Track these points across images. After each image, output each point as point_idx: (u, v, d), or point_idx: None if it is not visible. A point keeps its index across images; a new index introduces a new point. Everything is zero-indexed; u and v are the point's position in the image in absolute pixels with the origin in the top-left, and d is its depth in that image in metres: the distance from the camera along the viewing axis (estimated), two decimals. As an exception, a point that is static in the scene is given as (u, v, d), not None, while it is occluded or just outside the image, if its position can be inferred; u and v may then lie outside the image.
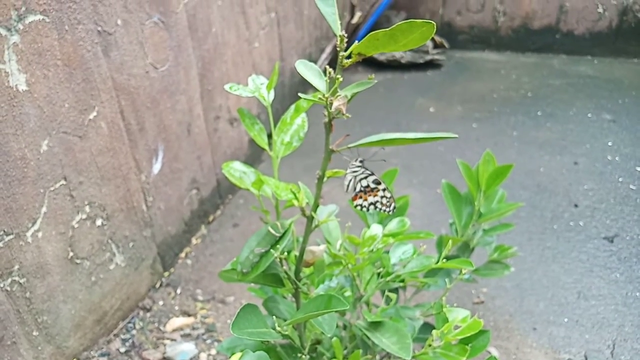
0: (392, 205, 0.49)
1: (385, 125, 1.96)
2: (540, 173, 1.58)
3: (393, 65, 2.62)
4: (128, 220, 1.03)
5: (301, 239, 0.47)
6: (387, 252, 0.65)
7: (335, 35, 0.37)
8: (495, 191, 0.84)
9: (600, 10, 2.36)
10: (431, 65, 2.64)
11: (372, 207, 0.49)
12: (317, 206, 0.44)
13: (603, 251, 1.23)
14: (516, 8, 2.57)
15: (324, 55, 2.51)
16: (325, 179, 0.45)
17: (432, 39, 2.64)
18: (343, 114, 0.41)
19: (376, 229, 0.54)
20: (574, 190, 1.47)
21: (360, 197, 0.49)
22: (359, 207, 0.49)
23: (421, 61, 2.59)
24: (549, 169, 1.60)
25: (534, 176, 1.57)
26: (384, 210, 0.49)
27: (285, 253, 0.47)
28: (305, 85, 2.25)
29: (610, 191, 1.45)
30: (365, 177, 0.48)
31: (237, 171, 0.54)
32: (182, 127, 1.22)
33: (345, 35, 0.38)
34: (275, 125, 0.58)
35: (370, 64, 2.63)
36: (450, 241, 0.56)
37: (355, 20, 2.58)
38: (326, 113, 0.42)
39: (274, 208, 0.57)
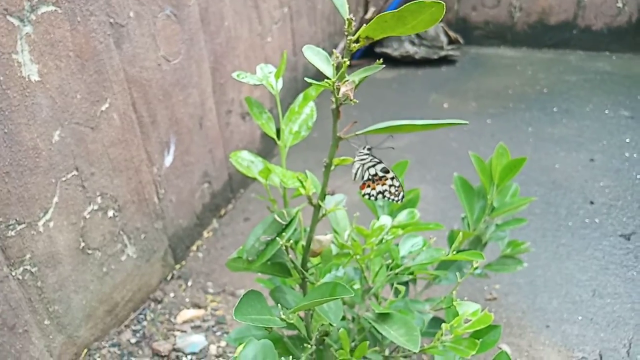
0: (401, 194, 0.48)
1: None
2: (555, 169, 1.56)
3: (407, 61, 2.60)
4: (140, 212, 1.04)
5: (308, 229, 0.46)
6: (397, 244, 0.65)
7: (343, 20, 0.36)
8: (508, 185, 0.83)
9: (620, 4, 2.31)
10: (445, 61, 2.61)
11: (380, 195, 0.48)
12: (325, 195, 0.44)
13: (619, 249, 1.20)
14: (532, 3, 2.52)
15: (337, 51, 2.50)
16: (332, 167, 0.45)
17: (447, 35, 2.61)
18: (351, 100, 0.40)
19: (385, 220, 0.53)
20: (589, 187, 1.44)
21: (368, 186, 0.48)
22: (366, 196, 0.49)
23: (435, 57, 2.56)
24: (564, 165, 1.57)
25: (549, 173, 1.54)
26: (392, 200, 0.48)
27: (292, 242, 0.47)
28: (319, 79, 2.24)
29: (627, 188, 1.42)
30: (373, 166, 0.47)
31: (245, 160, 0.54)
32: (194, 120, 1.22)
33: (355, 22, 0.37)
34: (283, 115, 0.58)
35: (384, 59, 2.61)
36: (461, 234, 0.54)
37: (368, 15, 2.56)
38: (333, 99, 0.41)
39: (282, 198, 0.56)
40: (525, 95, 2.13)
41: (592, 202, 1.38)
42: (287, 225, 0.40)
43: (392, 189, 0.48)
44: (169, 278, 1.18)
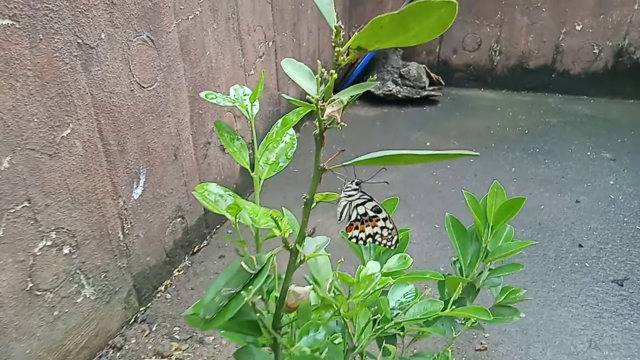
0: (395, 238, 0.42)
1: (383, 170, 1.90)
2: (541, 211, 1.52)
3: (390, 100, 2.60)
4: (101, 249, 0.94)
5: (283, 278, 0.39)
6: (386, 292, 0.57)
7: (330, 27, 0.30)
8: (502, 227, 0.77)
9: (596, 51, 2.37)
10: (427, 101, 2.62)
11: (369, 240, 0.42)
12: (304, 237, 0.37)
13: (613, 295, 1.15)
14: (512, 47, 2.58)
15: (322, 88, 2.48)
16: (314, 204, 0.38)
17: (429, 76, 2.64)
18: (338, 123, 0.34)
19: (373, 267, 0.46)
20: (577, 230, 1.41)
21: (356, 228, 0.41)
22: (354, 240, 0.42)
23: (417, 96, 2.57)
24: (550, 207, 1.54)
25: (535, 214, 1.50)
26: (385, 244, 0.42)
27: (264, 294, 0.39)
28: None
29: (615, 231, 1.39)
30: (363, 204, 0.41)
31: (213, 194, 0.47)
32: (169, 151, 1.15)
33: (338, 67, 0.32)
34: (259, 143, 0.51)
35: (368, 98, 2.61)
36: (460, 284, 0.48)
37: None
38: (317, 123, 0.35)
39: (254, 239, 0.49)
40: (507, 135, 2.13)
41: (580, 245, 1.33)
42: (256, 275, 0.33)
43: (385, 232, 0.41)
44: (131, 322, 1.07)
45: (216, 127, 0.48)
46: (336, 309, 0.38)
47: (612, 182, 1.64)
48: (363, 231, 0.41)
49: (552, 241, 1.36)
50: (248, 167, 0.51)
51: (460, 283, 0.49)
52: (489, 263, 0.79)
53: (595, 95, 2.45)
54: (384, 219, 0.41)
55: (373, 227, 0.41)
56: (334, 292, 0.42)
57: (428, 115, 2.43)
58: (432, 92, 2.59)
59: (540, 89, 2.58)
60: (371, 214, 0.41)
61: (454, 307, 0.46)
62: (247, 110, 0.51)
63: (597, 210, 1.49)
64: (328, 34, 2.43)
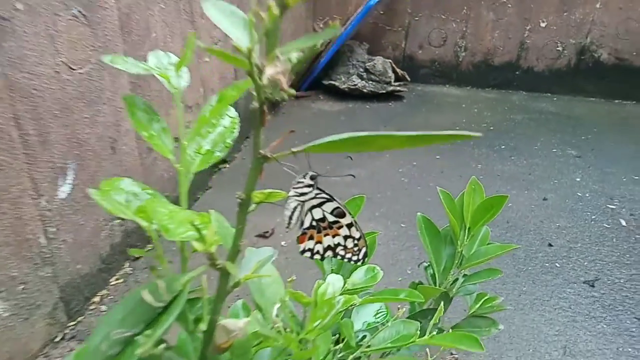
0: (363, 251, 0.32)
1: (344, 154, 1.82)
2: (508, 208, 1.47)
3: (355, 95, 2.52)
4: (17, 257, 0.80)
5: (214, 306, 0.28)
6: (351, 307, 0.48)
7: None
8: (480, 229, 0.69)
9: (560, 48, 2.38)
10: (393, 96, 2.56)
11: (329, 253, 0.31)
12: (237, 251, 0.26)
13: (585, 297, 1.11)
14: (477, 44, 2.55)
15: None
16: (253, 206, 0.28)
17: (394, 71, 2.57)
18: (283, 90, 0.24)
19: (335, 282, 0.36)
20: (546, 228, 1.36)
21: (311, 238, 0.31)
22: (307, 254, 0.32)
23: (383, 92, 2.50)
24: (517, 204, 1.49)
25: (502, 211, 1.44)
26: (349, 259, 0.32)
27: (189, 325, 0.29)
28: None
29: (584, 230, 1.35)
30: (320, 205, 0.31)
31: (123, 193, 0.36)
32: (104, 143, 1.01)
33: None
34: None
35: (332, 92, 2.52)
36: (441, 306, 0.39)
37: (316, 47, 2.47)
38: (254, 91, 0.25)
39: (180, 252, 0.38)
40: (471, 132, 2.09)
41: (550, 245, 1.29)
42: (164, 311, 0.22)
43: (349, 243, 0.31)
44: (58, 339, 0.93)
45: (125, 102, 0.37)
46: (283, 348, 0.28)
47: (578, 179, 1.62)
48: (320, 242, 0.31)
49: (521, 240, 1.31)
50: (171, 156, 0.40)
51: (442, 305, 0.40)
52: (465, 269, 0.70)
53: (559, 93, 2.45)
54: (349, 226, 0.31)
55: (334, 236, 0.31)
56: (283, 321, 0.32)
57: (394, 110, 2.36)
58: (398, 88, 2.53)
59: (504, 86, 2.57)
60: (331, 218, 0.31)
61: (433, 332, 0.37)
62: (169, 82, 0.40)
63: (565, 207, 1.46)
64: (292, 25, 2.33)
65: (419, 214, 0.71)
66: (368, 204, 1.49)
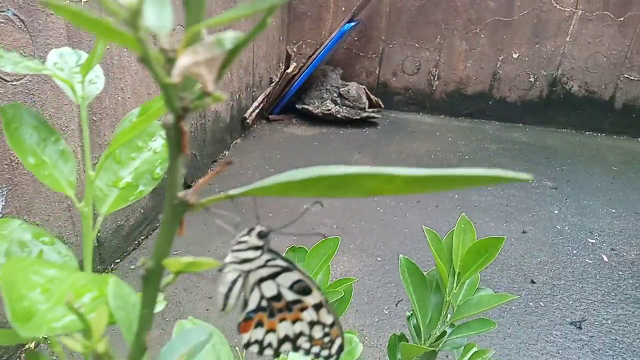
0: (338, 342, 0.22)
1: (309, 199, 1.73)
2: (488, 242, 1.40)
3: (328, 120, 2.45)
4: None
5: None
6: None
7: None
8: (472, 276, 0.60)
9: (532, 79, 2.39)
10: (367, 122, 2.51)
11: (287, 346, 0.21)
12: (142, 349, 0.16)
13: (572, 340, 1.03)
14: (450, 73, 2.55)
15: (255, 104, 2.29)
16: (170, 277, 0.18)
17: (368, 97, 2.53)
18: (207, 93, 0.14)
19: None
20: (527, 264, 1.30)
21: (260, 324, 0.21)
22: (254, 347, 0.22)
23: (357, 117, 2.45)
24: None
25: (482, 246, 1.38)
26: (317, 356, 0.22)
27: None
28: (233, 132, 1.99)
29: (566, 265, 1.29)
30: (272, 276, 0.21)
31: (5, 241, 0.25)
32: (43, 166, 0.88)
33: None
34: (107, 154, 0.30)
35: (305, 117, 2.45)
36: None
37: (290, 70, 2.41)
38: (162, 94, 0.16)
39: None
40: (447, 160, 2.04)
41: (533, 282, 1.22)
42: None
43: (317, 332, 0.21)
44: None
45: (1, 115, 0.26)
46: None
47: (556, 212, 1.58)
48: (273, 330, 0.21)
49: (502, 276, 1.24)
50: (69, 192, 0.30)
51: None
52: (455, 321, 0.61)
53: (531, 124, 2.45)
54: (316, 307, 0.21)
55: (294, 321, 0.21)
56: None
57: (368, 137, 2.30)
58: (372, 114, 2.48)
59: (477, 115, 2.56)
60: (290, 296, 0.21)
61: None
62: (72, 88, 0.30)
63: (545, 242, 1.40)
64: (264, 46, 2.26)
65: (401, 256, 0.62)
66: (341, 236, 1.40)
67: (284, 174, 0.18)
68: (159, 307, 0.32)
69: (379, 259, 1.28)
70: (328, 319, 0.22)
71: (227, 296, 0.22)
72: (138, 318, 0.22)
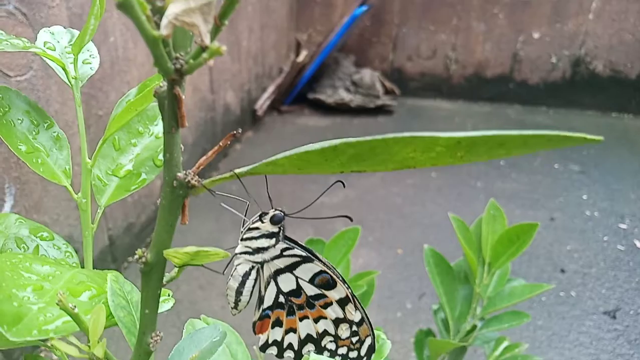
0: (368, 342, 0.18)
1: (329, 178, 1.68)
2: (513, 230, 1.34)
3: (342, 109, 2.40)
4: None
5: None
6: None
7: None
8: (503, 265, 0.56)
9: (554, 60, 2.30)
10: (382, 111, 2.45)
11: (309, 347, 0.18)
12: (146, 354, 0.13)
13: (607, 331, 0.97)
14: (468, 56, 2.47)
15: (265, 95, 2.25)
16: (174, 271, 0.15)
17: (383, 85, 2.47)
18: (204, 45, 0.10)
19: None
20: (556, 252, 1.24)
21: (277, 323, 0.17)
22: (272, 349, 0.18)
23: (372, 106, 2.39)
24: (522, 225, 1.37)
25: (507, 234, 1.32)
26: (345, 357, 0.18)
27: None
28: (244, 124, 1.96)
29: (597, 253, 1.23)
30: (290, 268, 0.17)
31: (2, 237, 0.23)
32: (51, 163, 0.86)
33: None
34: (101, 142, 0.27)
35: (318, 107, 2.40)
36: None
37: (300, 59, 2.36)
38: (151, 52, 0.12)
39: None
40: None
41: (563, 270, 1.16)
42: None
43: (343, 331, 0.18)
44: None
45: None
46: None
47: (585, 197, 1.50)
48: (293, 329, 0.18)
49: (531, 266, 1.18)
50: (64, 181, 0.27)
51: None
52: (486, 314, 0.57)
53: (554, 106, 2.36)
54: (341, 302, 0.18)
55: (316, 319, 0.17)
56: None
57: (384, 126, 2.25)
58: (387, 102, 2.42)
59: (498, 99, 2.47)
60: (311, 291, 0.18)
61: None
62: (63, 68, 0.27)
63: (574, 228, 1.34)
64: (273, 35, 2.21)
65: (426, 246, 0.58)
66: (359, 228, 1.36)
67: (300, 147, 0.14)
68: (166, 305, 0.28)
69: (399, 251, 1.24)
70: (356, 316, 0.19)
71: (239, 292, 0.18)
72: (139, 319, 0.19)
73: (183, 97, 0.14)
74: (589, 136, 0.13)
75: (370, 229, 1.33)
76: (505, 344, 0.66)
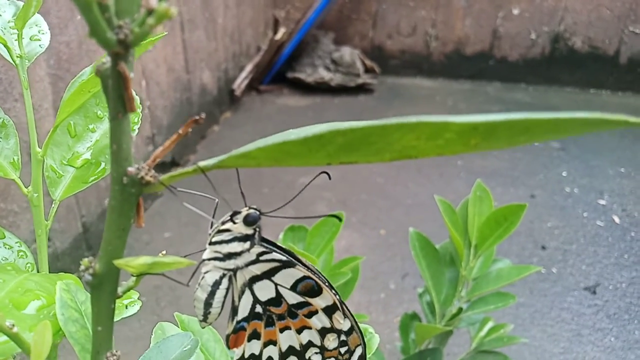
0: (358, 352, 0.16)
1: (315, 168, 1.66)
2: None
3: (322, 88, 2.36)
4: None
5: None
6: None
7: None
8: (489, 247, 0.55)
9: (533, 36, 2.29)
10: (362, 90, 2.41)
11: None
12: None
13: (587, 306, 0.99)
14: (448, 32, 2.44)
15: (243, 74, 2.19)
16: (132, 280, 0.12)
17: (363, 63, 2.43)
18: (150, 12, 0.08)
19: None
20: (537, 229, 1.25)
21: (255, 336, 0.15)
22: None
23: (352, 84, 2.35)
24: (504, 203, 1.37)
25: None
26: None
27: None
28: (222, 105, 1.91)
29: (577, 229, 1.24)
30: (268, 274, 0.15)
31: None
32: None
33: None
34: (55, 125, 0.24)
35: (298, 86, 2.35)
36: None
37: (278, 37, 2.30)
38: (86, 20, 0.09)
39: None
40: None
41: (544, 247, 1.17)
42: None
43: (330, 342, 0.15)
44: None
45: None
46: None
47: (564, 174, 1.52)
48: (273, 342, 0.15)
49: (512, 243, 1.19)
50: (15, 177, 0.25)
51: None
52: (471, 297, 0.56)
53: (534, 83, 2.37)
54: (328, 310, 0.15)
55: (300, 329, 0.15)
56: None
57: (365, 104, 2.22)
58: (368, 80, 2.38)
59: (478, 76, 2.46)
60: (293, 299, 0.15)
61: None
62: (5, 46, 0.24)
63: (555, 205, 1.35)
64: (250, 12, 2.14)
65: (411, 229, 0.56)
66: (341, 210, 1.34)
67: (277, 135, 0.11)
68: (133, 310, 0.26)
69: (382, 232, 1.23)
70: (345, 324, 0.17)
71: (208, 304, 0.16)
72: (91, 337, 0.16)
73: (131, 75, 0.12)
74: (631, 119, 0.11)
75: (353, 211, 1.32)
76: (490, 324, 0.66)
